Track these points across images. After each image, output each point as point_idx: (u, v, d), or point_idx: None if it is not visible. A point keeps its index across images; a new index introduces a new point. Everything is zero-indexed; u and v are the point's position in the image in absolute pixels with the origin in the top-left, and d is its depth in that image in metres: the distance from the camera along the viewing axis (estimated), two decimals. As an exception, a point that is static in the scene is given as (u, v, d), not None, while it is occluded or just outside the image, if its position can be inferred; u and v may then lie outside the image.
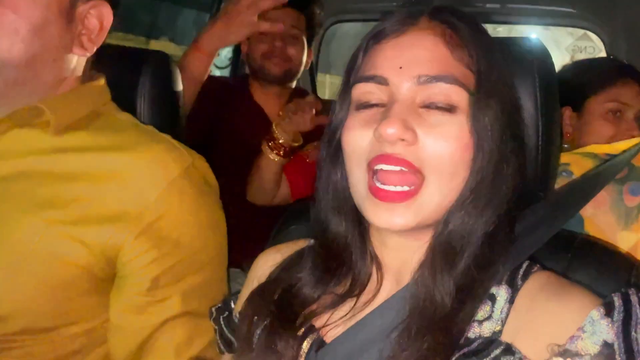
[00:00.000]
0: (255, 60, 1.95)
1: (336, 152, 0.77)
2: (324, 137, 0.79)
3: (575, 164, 1.25)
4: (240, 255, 1.16)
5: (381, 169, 0.69)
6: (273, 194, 1.77)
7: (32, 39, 0.88)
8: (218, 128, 1.92)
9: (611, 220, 1.17)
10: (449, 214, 0.70)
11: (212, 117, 1.89)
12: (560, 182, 1.18)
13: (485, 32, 0.76)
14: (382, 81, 0.71)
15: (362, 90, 0.73)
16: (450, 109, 0.69)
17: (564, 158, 1.28)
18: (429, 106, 0.69)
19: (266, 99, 1.99)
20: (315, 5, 2.02)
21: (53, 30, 0.90)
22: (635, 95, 1.56)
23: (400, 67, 0.70)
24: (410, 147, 0.68)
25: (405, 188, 0.68)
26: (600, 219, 1.17)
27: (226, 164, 1.63)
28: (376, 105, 0.72)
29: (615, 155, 1.15)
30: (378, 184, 0.69)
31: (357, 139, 0.71)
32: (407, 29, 0.73)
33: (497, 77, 0.72)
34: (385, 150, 0.68)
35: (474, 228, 0.70)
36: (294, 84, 2.06)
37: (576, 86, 1.57)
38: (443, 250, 0.70)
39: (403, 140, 0.67)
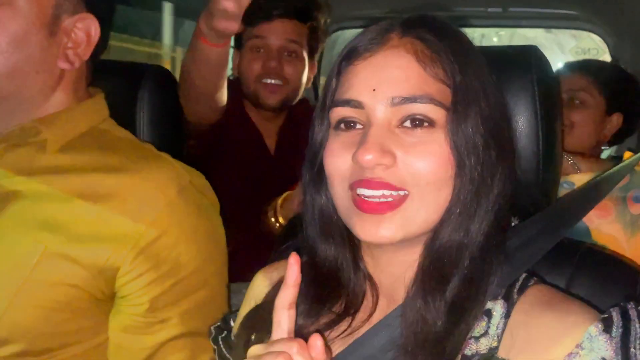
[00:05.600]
0: (248, 83, 1.72)
1: (319, 174, 0.76)
2: (306, 159, 0.79)
3: None
4: (243, 270, 1.16)
5: (363, 194, 0.68)
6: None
7: (12, 51, 0.87)
8: (216, 148, 1.72)
9: (618, 229, 1.17)
10: (436, 230, 0.70)
11: (211, 135, 1.69)
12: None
13: (463, 39, 0.75)
14: (357, 105, 0.70)
15: (339, 114, 0.72)
16: (427, 126, 0.68)
17: None
18: (405, 126, 0.69)
19: (263, 122, 1.79)
20: (320, 13, 1.78)
21: (34, 43, 0.90)
22: (566, 81, 1.69)
23: (374, 90, 0.69)
24: (389, 170, 0.67)
25: (390, 199, 0.68)
26: (606, 228, 1.17)
27: (223, 187, 1.53)
28: (355, 125, 0.72)
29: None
30: (362, 197, 0.68)
31: (338, 163, 0.71)
32: (379, 48, 0.71)
33: (475, 87, 0.70)
34: (366, 175, 0.68)
35: (462, 242, 0.69)
36: None
37: None
38: (433, 269, 0.69)
39: (381, 164, 0.67)
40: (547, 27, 2.73)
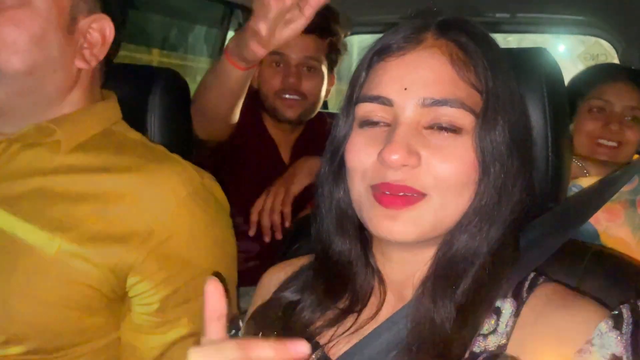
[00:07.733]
0: (267, 98, 1.74)
1: (339, 168, 0.76)
2: (326, 151, 0.78)
3: None
4: (252, 273, 1.16)
5: (383, 193, 0.68)
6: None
7: (31, 50, 0.90)
8: (231, 158, 1.73)
9: (627, 232, 1.17)
10: (452, 234, 0.70)
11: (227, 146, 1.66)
12: None
13: (495, 46, 0.75)
14: (386, 102, 0.70)
15: (366, 110, 0.72)
16: (455, 130, 0.68)
17: None
18: (433, 128, 0.69)
19: (279, 134, 1.82)
20: (339, 27, 1.77)
21: (53, 42, 0.92)
22: (622, 93, 1.56)
23: (405, 89, 0.69)
24: (413, 171, 0.67)
25: (409, 194, 0.68)
26: (615, 231, 1.17)
27: (236, 194, 1.37)
28: (380, 123, 0.71)
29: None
30: (382, 192, 0.68)
31: (362, 158, 0.71)
32: (413, 47, 0.71)
33: (505, 95, 0.70)
34: (388, 176, 0.68)
35: (477, 250, 0.69)
36: None
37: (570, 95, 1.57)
38: (445, 272, 0.69)
39: (406, 165, 0.67)
40: (555, 32, 2.72)
